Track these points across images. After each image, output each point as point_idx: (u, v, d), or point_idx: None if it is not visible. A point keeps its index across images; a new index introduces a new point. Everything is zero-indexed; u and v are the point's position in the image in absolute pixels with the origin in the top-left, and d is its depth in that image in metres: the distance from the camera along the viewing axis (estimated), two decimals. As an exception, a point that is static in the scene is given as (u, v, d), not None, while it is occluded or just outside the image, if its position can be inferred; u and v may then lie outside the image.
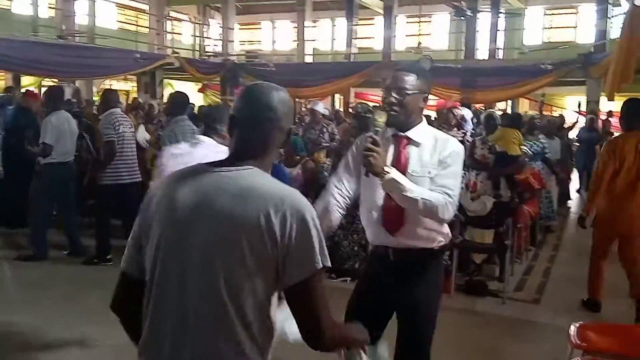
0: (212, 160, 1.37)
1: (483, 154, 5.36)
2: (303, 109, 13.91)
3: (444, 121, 6.36)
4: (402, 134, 2.20)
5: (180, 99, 4.89)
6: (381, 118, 2.10)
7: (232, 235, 1.22)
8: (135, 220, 1.38)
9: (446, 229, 2.26)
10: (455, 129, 6.12)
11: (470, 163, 5.41)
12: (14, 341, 3.60)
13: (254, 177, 1.30)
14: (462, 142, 5.92)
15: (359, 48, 16.54)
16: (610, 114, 11.57)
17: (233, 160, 1.34)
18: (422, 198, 2.03)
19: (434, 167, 2.15)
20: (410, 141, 2.20)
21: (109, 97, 5.35)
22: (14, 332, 3.73)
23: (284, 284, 1.26)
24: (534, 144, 6.48)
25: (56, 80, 12.92)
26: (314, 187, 5.96)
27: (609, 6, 11.24)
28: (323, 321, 1.28)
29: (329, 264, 1.28)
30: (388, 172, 2.03)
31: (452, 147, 2.18)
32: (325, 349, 1.34)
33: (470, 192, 5.32)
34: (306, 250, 1.24)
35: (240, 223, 1.22)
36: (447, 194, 2.07)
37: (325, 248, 1.29)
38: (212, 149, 2.51)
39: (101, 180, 5.09)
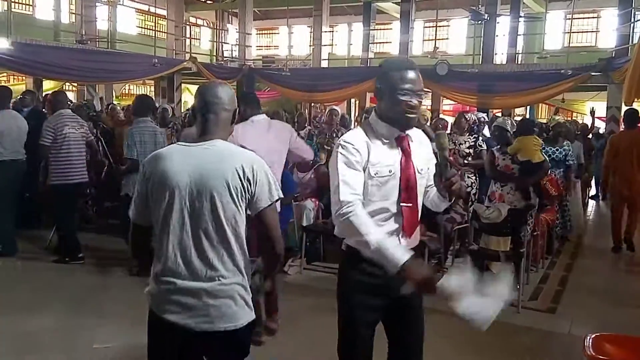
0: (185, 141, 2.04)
1: (506, 164, 5.24)
2: (318, 113, 13.92)
3: (456, 125, 6.30)
4: (403, 134, 2.16)
5: (144, 101, 5.20)
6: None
7: (223, 183, 1.88)
8: (139, 186, 1.98)
9: None
10: (467, 133, 6.07)
11: (494, 175, 5.28)
12: (22, 342, 3.62)
13: (224, 146, 1.95)
14: (473, 146, 5.92)
15: (376, 53, 16.50)
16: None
17: (201, 137, 1.97)
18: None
19: (427, 161, 2.19)
20: (409, 139, 2.18)
21: (58, 98, 5.43)
22: (23, 332, 3.75)
23: (255, 209, 1.94)
24: (557, 150, 6.35)
25: (76, 84, 13.17)
26: (327, 192, 5.95)
27: (633, 10, 11.02)
28: (278, 232, 2.01)
29: (281, 195, 2.00)
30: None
31: (428, 140, 2.26)
32: (279, 253, 2.02)
33: (493, 203, 5.20)
34: (267, 188, 1.94)
35: (226, 175, 1.88)
36: None
37: (278, 186, 1.98)
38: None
39: (50, 181, 5.17)
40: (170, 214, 1.89)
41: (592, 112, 9.73)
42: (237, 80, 15.06)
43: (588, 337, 2.72)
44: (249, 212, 1.96)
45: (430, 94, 14.60)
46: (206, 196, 1.86)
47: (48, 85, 12.61)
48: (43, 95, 9.79)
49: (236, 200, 1.89)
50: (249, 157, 1.94)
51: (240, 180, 1.88)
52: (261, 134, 3.47)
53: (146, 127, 4.95)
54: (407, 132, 2.16)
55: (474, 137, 6.02)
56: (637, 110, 6.41)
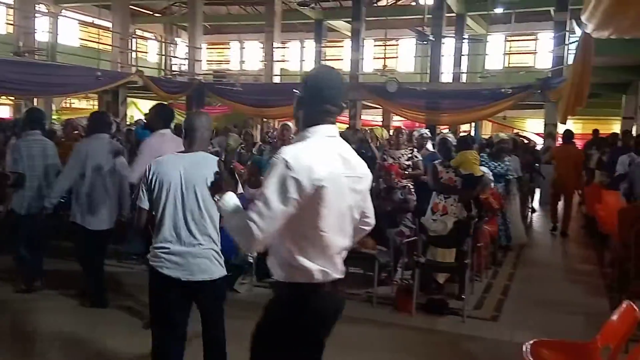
0: (178, 151, 2.91)
1: (450, 177, 5.42)
2: (271, 129, 13.91)
3: (394, 140, 6.59)
4: None
5: (32, 114, 5.04)
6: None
7: (203, 181, 2.49)
8: (144, 182, 2.77)
9: (307, 264, 1.89)
10: (404, 147, 6.36)
11: (438, 187, 5.44)
12: None
13: (205, 156, 2.78)
14: (410, 158, 6.15)
15: (327, 70, 16.67)
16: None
17: (189, 149, 2.83)
18: (232, 219, 1.89)
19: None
20: None
21: None
22: None
23: None
24: (499, 165, 6.60)
25: (13, 97, 12.58)
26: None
27: (567, 33, 11.69)
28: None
29: (241, 190, 2.81)
30: (219, 199, 1.96)
31: (273, 159, 1.89)
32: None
33: (440, 215, 5.35)
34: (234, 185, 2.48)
35: (205, 175, 2.42)
36: (250, 211, 1.81)
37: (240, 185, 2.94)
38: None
39: None
40: (167, 200, 2.73)
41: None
42: (187, 94, 14.84)
43: (526, 344, 2.84)
44: None
45: (381, 110, 14.94)
46: (191, 189, 2.71)
47: (-16, 98, 12.03)
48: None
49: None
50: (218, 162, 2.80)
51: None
52: (170, 145, 3.92)
53: (35, 141, 4.75)
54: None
55: (410, 150, 6.25)
56: (571, 130, 8.71)
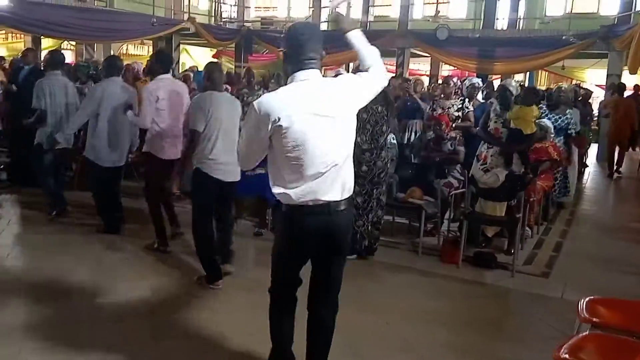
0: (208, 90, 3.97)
1: (496, 127, 5.26)
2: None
3: (443, 90, 6.41)
4: None
5: (54, 56, 5.38)
6: None
7: (234, 113, 3.96)
8: (200, 112, 3.73)
9: (284, 190, 2.28)
10: (454, 97, 6.19)
11: (483, 136, 5.33)
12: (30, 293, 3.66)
13: (228, 96, 4.14)
14: (460, 109, 6.01)
15: (376, 16, 16.20)
16: (638, 87, 11.39)
17: (215, 89, 3.87)
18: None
19: None
20: None
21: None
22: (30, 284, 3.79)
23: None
24: (560, 118, 6.32)
25: (74, 43, 13.02)
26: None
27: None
28: None
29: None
30: None
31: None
32: None
33: (481, 164, 5.30)
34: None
35: (236, 108, 4.02)
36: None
37: None
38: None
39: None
40: (215, 126, 3.75)
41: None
42: (236, 42, 14.81)
43: (582, 300, 2.73)
44: None
45: (430, 59, 14.46)
46: (230, 120, 3.86)
47: (47, 44, 12.47)
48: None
49: (239, 122, 3.87)
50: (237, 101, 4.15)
51: (240, 112, 3.99)
52: (168, 88, 4.39)
53: (57, 80, 5.17)
54: None
55: (461, 100, 6.08)
56: (624, 83, 9.81)
